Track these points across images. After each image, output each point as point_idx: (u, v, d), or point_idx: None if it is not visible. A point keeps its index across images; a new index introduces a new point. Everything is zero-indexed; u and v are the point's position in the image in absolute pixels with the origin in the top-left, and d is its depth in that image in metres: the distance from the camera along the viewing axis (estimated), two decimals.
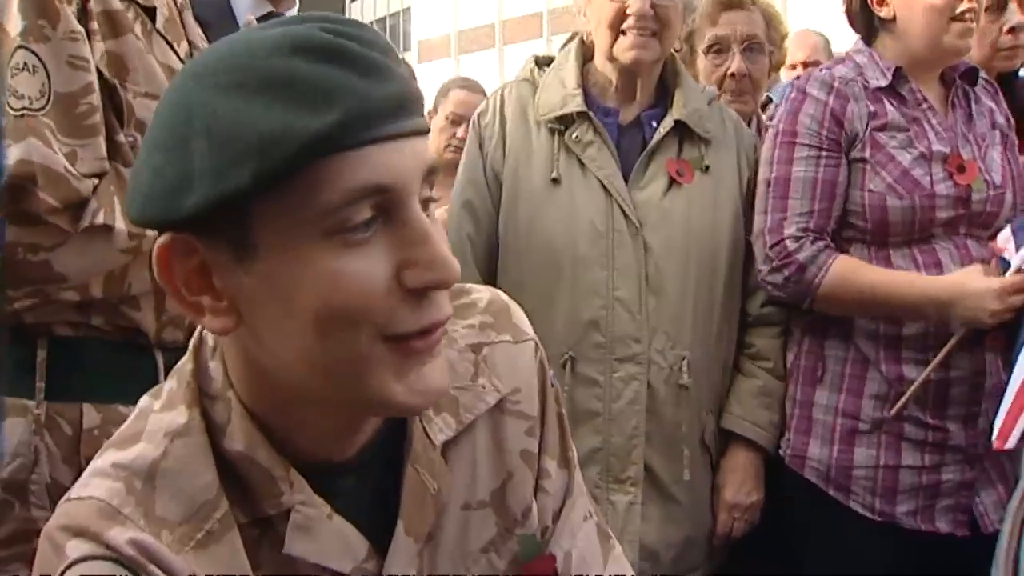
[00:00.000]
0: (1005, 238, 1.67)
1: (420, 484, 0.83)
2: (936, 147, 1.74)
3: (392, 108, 0.69)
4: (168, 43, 1.47)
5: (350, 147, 0.67)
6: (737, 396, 1.84)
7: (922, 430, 1.71)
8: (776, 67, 2.32)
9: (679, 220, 1.77)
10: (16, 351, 1.36)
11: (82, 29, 1.31)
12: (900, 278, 1.69)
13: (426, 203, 0.74)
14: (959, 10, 1.71)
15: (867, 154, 1.73)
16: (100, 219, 1.32)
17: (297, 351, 0.71)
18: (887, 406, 1.71)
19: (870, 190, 1.72)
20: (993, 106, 1.87)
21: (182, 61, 1.52)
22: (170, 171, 0.69)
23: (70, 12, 1.30)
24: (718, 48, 2.19)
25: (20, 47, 1.25)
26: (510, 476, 0.91)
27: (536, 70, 1.92)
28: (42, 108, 1.25)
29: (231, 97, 0.67)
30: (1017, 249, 1.64)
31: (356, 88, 0.67)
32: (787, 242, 1.73)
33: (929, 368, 1.66)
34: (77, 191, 1.28)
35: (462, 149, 1.97)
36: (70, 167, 1.27)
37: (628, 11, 1.73)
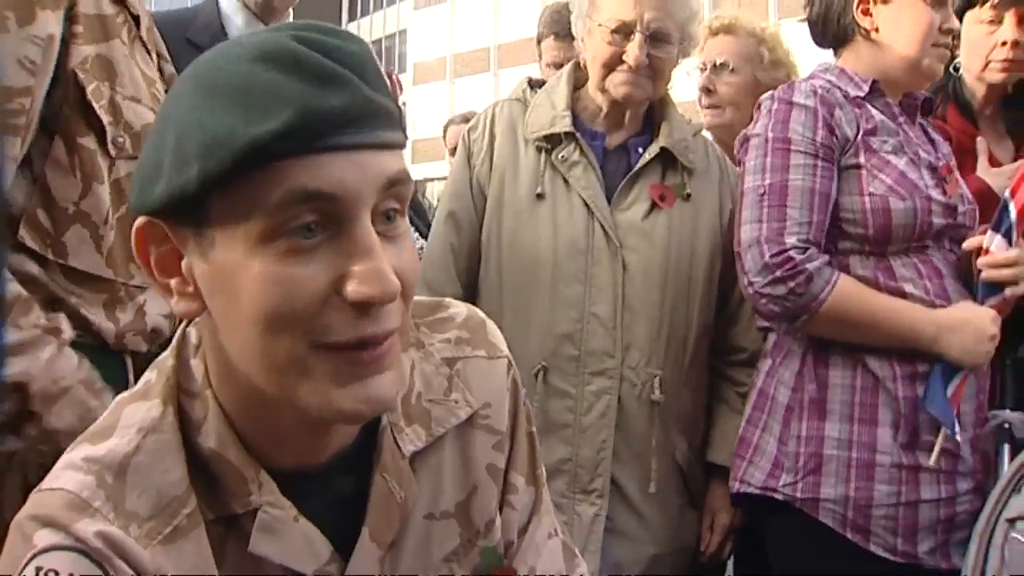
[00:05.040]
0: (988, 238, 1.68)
1: (387, 492, 0.85)
2: (923, 155, 1.74)
3: (343, 119, 0.70)
4: (147, 51, 1.50)
5: (294, 154, 0.68)
6: (726, 434, 1.85)
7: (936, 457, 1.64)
8: (771, 85, 2.42)
9: (658, 242, 1.80)
10: None
11: (53, 36, 1.30)
12: (901, 303, 1.64)
13: (387, 215, 0.75)
14: (939, 40, 1.73)
15: (862, 159, 1.69)
16: None
17: (244, 346, 0.74)
18: (904, 435, 1.63)
19: (871, 194, 1.66)
20: (943, 143, 1.88)
21: (158, 69, 1.54)
22: (150, 161, 0.73)
23: (50, 17, 1.30)
24: (701, 70, 2.45)
25: None
26: (475, 489, 0.93)
27: (528, 90, 1.96)
28: None
29: (198, 97, 0.70)
30: (996, 230, 1.67)
31: (303, 97, 0.68)
32: (792, 252, 1.62)
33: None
34: None
35: None
36: None
37: (624, 57, 1.78)
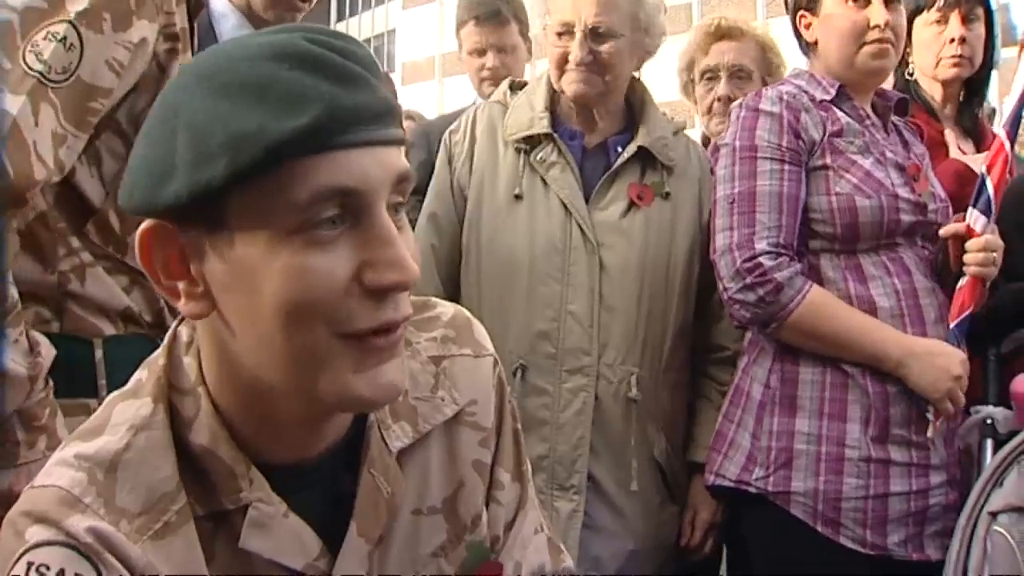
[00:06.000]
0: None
1: (375, 488, 0.87)
2: (890, 155, 1.78)
3: (363, 116, 0.72)
4: None
5: (320, 150, 0.71)
6: (708, 432, 1.86)
7: (907, 450, 1.67)
8: None
9: (636, 241, 1.82)
10: (71, 352, 1.33)
11: (146, 39, 1.33)
12: (872, 322, 1.67)
13: (395, 208, 0.77)
14: (869, 37, 1.77)
15: (828, 160, 1.74)
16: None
17: (261, 339, 0.75)
18: (874, 429, 1.67)
19: (837, 193, 1.71)
20: (918, 143, 1.92)
21: None
22: (156, 162, 0.73)
23: (143, 26, 1.32)
24: (710, 75, 2.43)
25: (69, 22, 1.23)
26: (462, 485, 0.95)
27: (509, 93, 1.98)
28: (55, 83, 1.23)
29: (213, 97, 0.71)
30: (974, 206, 1.72)
31: (328, 95, 0.71)
32: (762, 259, 1.66)
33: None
34: (28, 177, 1.19)
35: None
36: (41, 158, 1.21)
37: (569, 56, 1.82)
